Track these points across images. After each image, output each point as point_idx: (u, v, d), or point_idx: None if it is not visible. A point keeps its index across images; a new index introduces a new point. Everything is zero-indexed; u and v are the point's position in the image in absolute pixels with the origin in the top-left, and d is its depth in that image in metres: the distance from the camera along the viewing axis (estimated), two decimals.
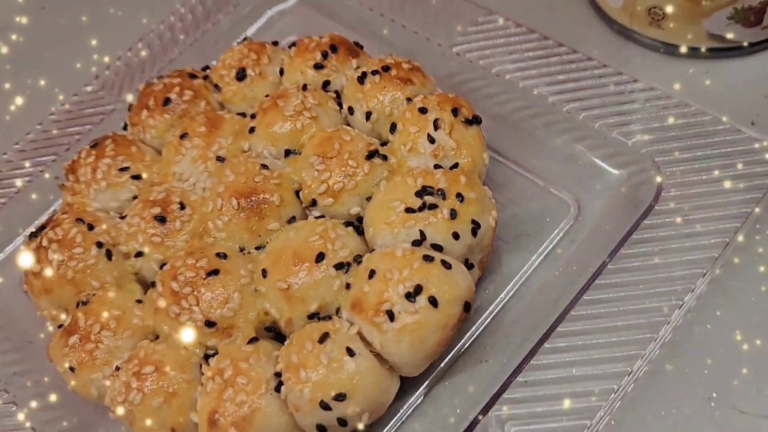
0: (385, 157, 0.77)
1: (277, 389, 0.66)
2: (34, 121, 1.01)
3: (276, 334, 0.74)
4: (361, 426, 0.66)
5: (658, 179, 0.76)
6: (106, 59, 1.09)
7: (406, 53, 0.87)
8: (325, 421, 0.66)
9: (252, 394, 0.66)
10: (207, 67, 0.94)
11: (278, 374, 0.67)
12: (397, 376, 0.70)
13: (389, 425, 0.72)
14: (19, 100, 1.11)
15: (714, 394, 0.69)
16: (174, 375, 0.68)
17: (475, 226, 0.71)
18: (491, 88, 0.89)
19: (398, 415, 0.72)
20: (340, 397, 0.64)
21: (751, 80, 0.89)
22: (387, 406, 0.69)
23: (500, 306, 0.77)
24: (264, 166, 0.78)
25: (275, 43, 0.93)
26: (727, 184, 0.74)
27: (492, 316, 0.76)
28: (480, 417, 0.67)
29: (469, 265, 0.72)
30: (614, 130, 0.81)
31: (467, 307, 0.68)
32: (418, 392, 0.73)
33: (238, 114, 0.86)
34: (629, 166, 0.80)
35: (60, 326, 0.78)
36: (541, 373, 0.68)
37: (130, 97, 0.97)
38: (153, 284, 0.76)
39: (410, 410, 0.72)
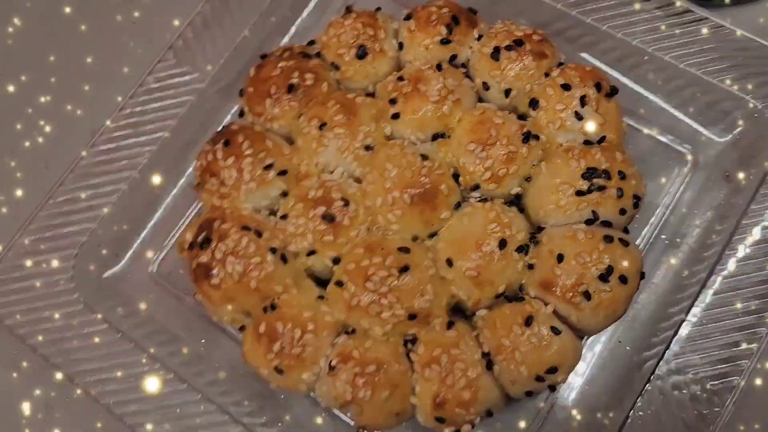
0: (537, 137, 0.81)
1: (488, 367, 0.75)
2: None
3: (456, 311, 0.81)
4: (563, 381, 0.77)
5: None
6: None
7: None
8: (535, 389, 0.76)
9: (471, 377, 0.74)
10: (312, 42, 0.90)
11: (485, 354, 0.76)
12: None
13: None
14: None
15: None
16: (393, 369, 0.75)
17: (636, 200, 0.79)
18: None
19: None
20: (552, 370, 0.74)
21: None
22: None
23: None
24: (424, 157, 0.80)
25: (378, 10, 0.90)
26: None
27: None
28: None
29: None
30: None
31: (643, 274, 0.77)
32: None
33: (367, 95, 0.86)
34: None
35: (241, 328, 0.82)
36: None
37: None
38: (329, 281, 0.80)
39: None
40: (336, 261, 0.80)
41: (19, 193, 1.03)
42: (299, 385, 0.78)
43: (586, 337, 0.83)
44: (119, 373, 0.84)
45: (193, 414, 0.83)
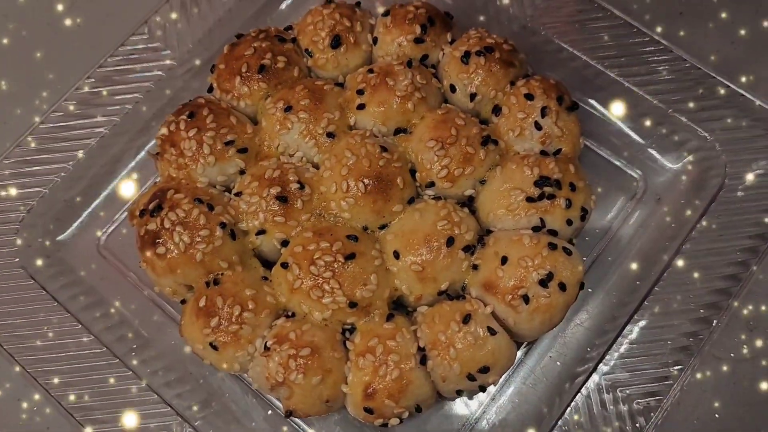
0: (496, 142, 0.82)
1: (422, 362, 0.76)
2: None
3: (397, 305, 0.81)
4: (492, 386, 0.77)
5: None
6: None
7: None
8: (466, 388, 0.76)
9: (404, 370, 0.74)
10: (290, 27, 0.91)
11: (420, 349, 0.76)
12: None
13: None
14: None
15: None
16: (328, 355, 0.75)
17: (584, 213, 0.80)
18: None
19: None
20: (484, 370, 0.75)
21: None
22: None
23: None
24: (383, 149, 0.81)
25: (358, 5, 0.92)
26: None
27: None
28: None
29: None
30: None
31: (582, 285, 0.78)
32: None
33: (336, 85, 0.87)
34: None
35: (182, 301, 0.82)
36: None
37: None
38: (275, 264, 0.80)
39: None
40: (284, 244, 0.80)
41: None
42: (233, 364, 0.77)
43: (523, 346, 0.85)
44: (50, 334, 0.84)
45: (121, 390, 0.82)
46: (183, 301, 0.81)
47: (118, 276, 0.91)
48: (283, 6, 1.02)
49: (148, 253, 0.79)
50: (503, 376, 0.81)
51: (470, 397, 0.83)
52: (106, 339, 0.85)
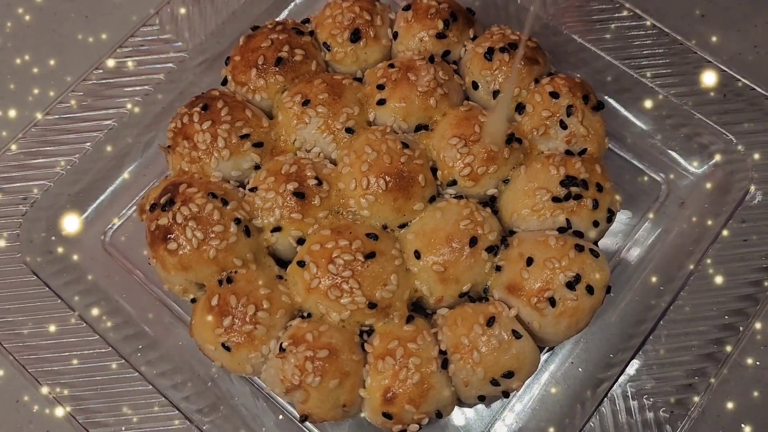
0: (520, 141, 0.80)
1: (443, 366, 0.73)
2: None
3: (415, 307, 0.79)
4: (517, 387, 0.75)
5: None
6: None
7: None
8: (489, 393, 0.73)
9: (426, 374, 0.71)
10: (307, 20, 0.89)
11: (442, 352, 0.73)
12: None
13: None
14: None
15: None
16: (346, 358, 0.72)
17: (610, 214, 0.78)
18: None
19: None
20: (508, 375, 0.72)
21: None
22: None
23: None
24: (405, 145, 0.79)
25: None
26: None
27: None
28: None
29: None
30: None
31: (609, 289, 0.76)
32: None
33: (354, 79, 0.85)
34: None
35: (192, 300, 0.79)
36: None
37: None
38: (290, 263, 0.77)
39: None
40: (300, 242, 0.78)
41: None
42: (245, 366, 0.74)
43: (543, 351, 0.82)
44: (52, 328, 0.80)
45: (127, 392, 0.79)
46: (193, 300, 0.78)
47: (125, 273, 0.88)
48: (298, 0, 0.99)
49: (159, 249, 0.76)
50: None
51: (488, 405, 0.81)
52: (111, 338, 0.81)
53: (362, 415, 0.75)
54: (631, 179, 0.90)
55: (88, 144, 0.89)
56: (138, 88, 0.91)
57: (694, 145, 0.89)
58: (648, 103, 0.90)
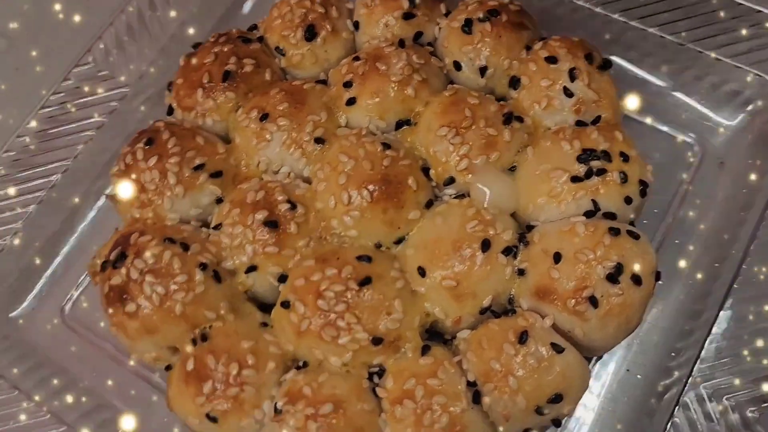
0: (521, 119, 0.68)
1: (475, 401, 0.60)
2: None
3: (431, 334, 0.66)
4: (570, 411, 0.61)
5: None
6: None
7: None
8: (536, 425, 0.60)
9: (455, 413, 0.58)
10: (254, 27, 0.78)
11: (470, 383, 0.60)
12: None
13: None
14: None
15: None
16: (356, 409, 0.59)
17: (643, 186, 0.65)
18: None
19: None
20: (556, 399, 0.59)
21: None
22: None
23: None
24: (386, 146, 0.67)
25: None
26: None
27: None
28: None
29: None
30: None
31: (658, 275, 0.63)
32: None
33: (317, 82, 0.73)
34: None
35: (167, 368, 0.66)
36: None
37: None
38: (273, 305, 0.65)
39: None
40: (282, 279, 0.65)
41: None
42: None
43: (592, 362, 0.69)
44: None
45: None
46: (168, 368, 0.66)
47: (91, 349, 0.75)
48: (246, 10, 0.88)
49: (117, 314, 0.64)
50: None
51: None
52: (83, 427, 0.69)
53: None
54: (656, 145, 0.77)
55: (32, 206, 0.78)
56: (79, 134, 0.80)
57: (724, 94, 0.77)
58: (660, 57, 0.78)
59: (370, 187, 0.64)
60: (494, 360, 0.59)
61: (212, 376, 0.61)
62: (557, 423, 0.61)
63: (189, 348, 0.63)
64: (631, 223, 0.66)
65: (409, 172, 0.66)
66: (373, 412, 0.60)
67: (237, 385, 0.61)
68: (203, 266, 0.64)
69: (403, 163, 0.66)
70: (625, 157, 0.65)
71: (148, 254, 0.64)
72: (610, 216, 0.64)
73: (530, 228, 0.66)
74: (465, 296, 0.62)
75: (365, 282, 0.62)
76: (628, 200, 0.64)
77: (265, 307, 0.68)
